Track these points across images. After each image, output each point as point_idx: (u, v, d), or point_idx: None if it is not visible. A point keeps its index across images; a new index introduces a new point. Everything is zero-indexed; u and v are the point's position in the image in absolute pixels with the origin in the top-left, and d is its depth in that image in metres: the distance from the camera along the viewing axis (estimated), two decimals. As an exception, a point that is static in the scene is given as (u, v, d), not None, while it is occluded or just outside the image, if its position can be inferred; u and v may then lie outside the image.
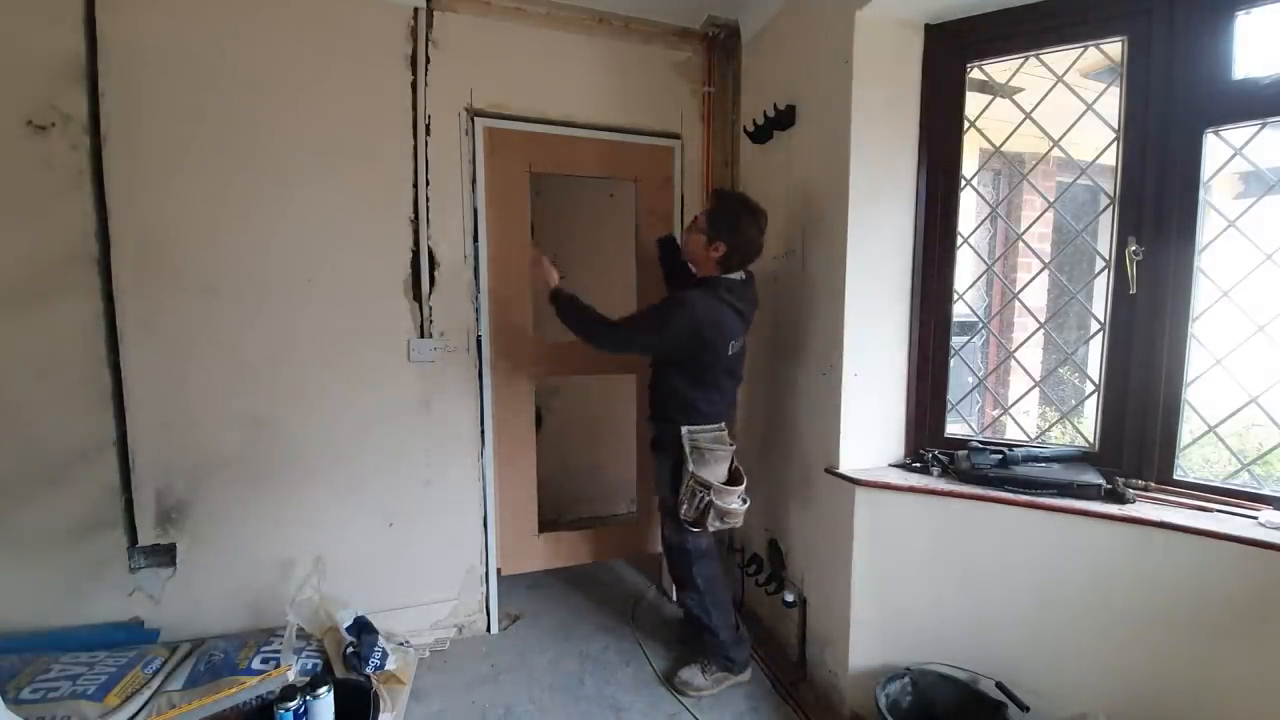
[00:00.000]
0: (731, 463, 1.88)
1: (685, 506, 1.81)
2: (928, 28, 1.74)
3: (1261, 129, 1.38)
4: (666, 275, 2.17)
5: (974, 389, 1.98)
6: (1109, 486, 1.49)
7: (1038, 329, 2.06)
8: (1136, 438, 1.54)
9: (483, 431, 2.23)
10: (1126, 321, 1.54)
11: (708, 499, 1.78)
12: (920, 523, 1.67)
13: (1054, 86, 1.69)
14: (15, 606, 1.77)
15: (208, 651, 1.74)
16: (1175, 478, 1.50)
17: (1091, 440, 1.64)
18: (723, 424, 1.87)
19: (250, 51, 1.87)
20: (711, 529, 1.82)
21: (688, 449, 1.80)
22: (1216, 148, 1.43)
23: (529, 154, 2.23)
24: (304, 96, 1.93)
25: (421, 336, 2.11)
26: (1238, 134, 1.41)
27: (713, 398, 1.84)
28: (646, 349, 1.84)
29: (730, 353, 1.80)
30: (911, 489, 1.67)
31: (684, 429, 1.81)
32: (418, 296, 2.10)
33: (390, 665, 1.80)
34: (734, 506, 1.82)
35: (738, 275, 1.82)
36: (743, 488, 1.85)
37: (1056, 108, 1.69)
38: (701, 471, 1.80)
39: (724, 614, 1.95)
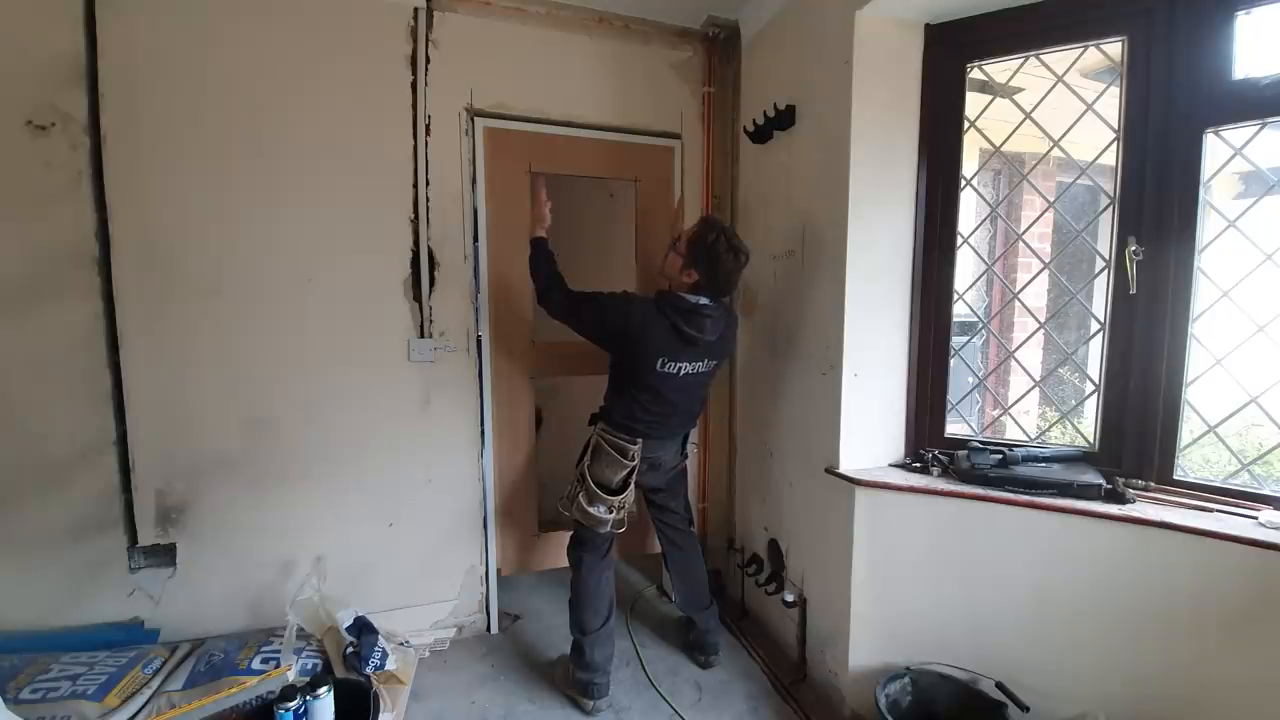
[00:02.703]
0: (626, 477, 1.83)
1: (567, 488, 1.90)
2: (928, 28, 1.73)
3: (1261, 129, 1.38)
4: None
5: (974, 389, 1.98)
6: (1109, 486, 1.49)
7: (1038, 329, 2.06)
8: (1136, 438, 1.54)
9: (483, 431, 2.23)
10: (1126, 321, 1.54)
11: (578, 491, 1.84)
12: (920, 523, 1.67)
13: (1054, 86, 1.69)
14: (15, 606, 1.77)
15: (208, 651, 1.74)
16: (1175, 478, 1.50)
17: (1091, 440, 1.64)
18: (637, 439, 1.83)
19: (251, 52, 1.87)
20: (569, 514, 1.87)
21: (591, 444, 1.88)
22: (1216, 148, 1.43)
23: (529, 154, 2.23)
24: (304, 96, 1.92)
25: (421, 336, 2.11)
26: (1238, 134, 1.41)
27: (632, 411, 1.82)
28: (581, 325, 1.85)
29: (660, 369, 1.76)
30: (911, 489, 1.67)
31: (597, 426, 1.90)
32: (418, 296, 2.10)
33: (390, 665, 1.80)
34: (591, 510, 1.81)
35: (699, 299, 1.77)
36: (616, 502, 1.82)
37: (1056, 108, 1.69)
38: (589, 468, 1.85)
39: (577, 608, 1.91)
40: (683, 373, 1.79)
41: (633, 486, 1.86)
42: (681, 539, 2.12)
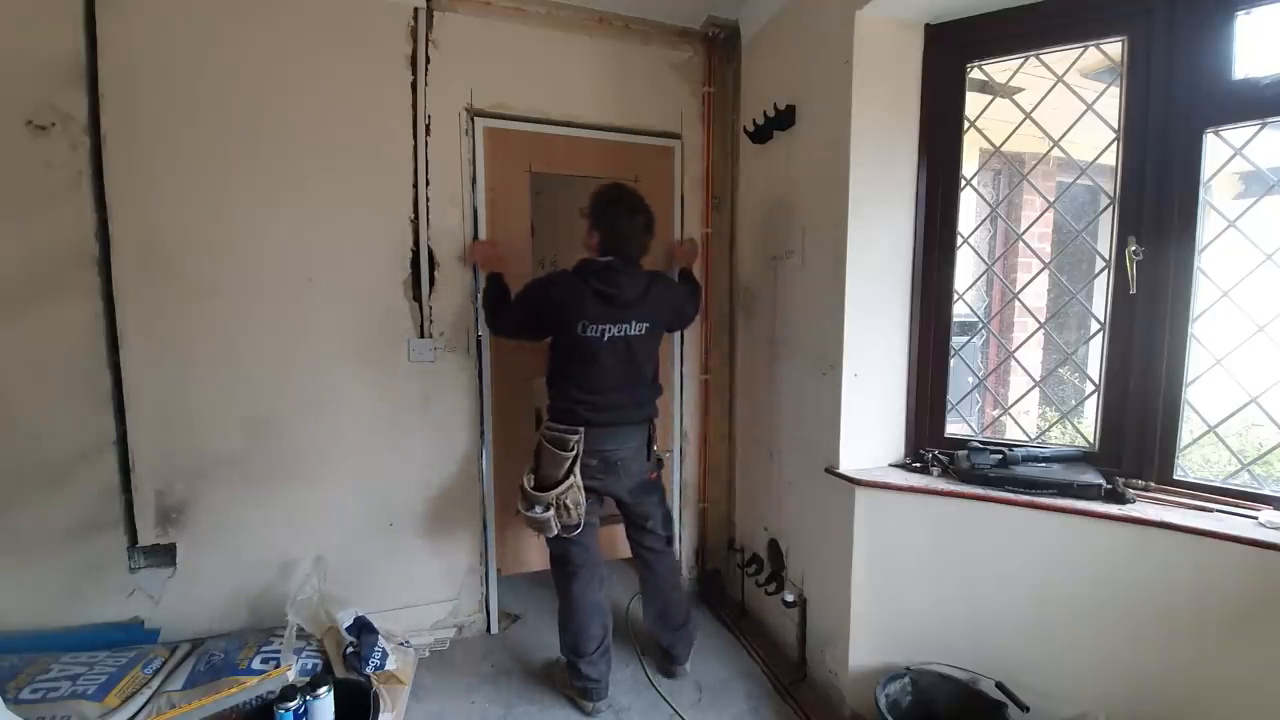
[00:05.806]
0: (567, 470, 1.74)
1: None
2: (928, 28, 1.73)
3: (1261, 129, 1.38)
4: None
5: (974, 389, 1.98)
6: (1109, 486, 1.49)
7: (1038, 329, 2.06)
8: (1136, 438, 1.54)
9: (483, 432, 2.23)
10: (1126, 321, 1.54)
11: (519, 500, 1.81)
12: (920, 522, 1.67)
13: (1054, 86, 1.69)
14: (15, 606, 1.77)
15: (208, 651, 1.74)
16: (1175, 478, 1.49)
17: (1091, 440, 1.64)
18: (578, 429, 1.76)
19: (251, 52, 1.87)
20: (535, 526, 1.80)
21: (535, 449, 1.85)
22: (1216, 148, 1.43)
23: (529, 154, 2.23)
24: (304, 96, 1.92)
25: (421, 336, 2.11)
26: (1238, 134, 1.41)
27: (568, 391, 1.79)
28: (515, 326, 1.89)
29: (582, 332, 1.74)
30: (911, 489, 1.67)
31: (545, 424, 1.86)
32: (418, 296, 2.10)
33: (390, 665, 1.80)
34: (530, 515, 1.74)
35: (608, 258, 1.78)
36: (547, 498, 1.72)
37: (1056, 108, 1.69)
38: (534, 472, 1.81)
39: (568, 634, 1.87)
40: (607, 336, 1.76)
41: (571, 481, 1.74)
42: (658, 561, 1.99)
